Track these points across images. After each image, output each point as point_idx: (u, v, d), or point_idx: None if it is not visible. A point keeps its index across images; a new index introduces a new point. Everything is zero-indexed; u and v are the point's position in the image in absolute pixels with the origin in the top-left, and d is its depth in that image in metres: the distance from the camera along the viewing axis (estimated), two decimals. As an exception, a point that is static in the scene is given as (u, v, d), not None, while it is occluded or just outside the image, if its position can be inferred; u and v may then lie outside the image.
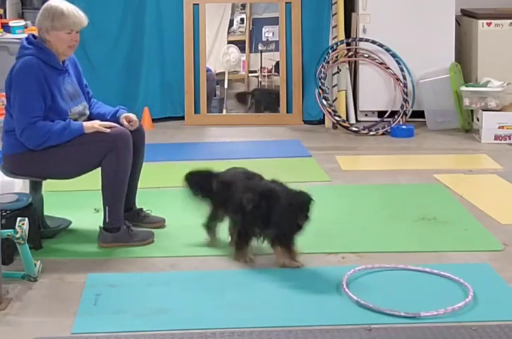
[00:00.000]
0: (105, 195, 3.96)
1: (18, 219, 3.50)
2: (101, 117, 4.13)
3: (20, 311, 3.29)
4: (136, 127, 4.12)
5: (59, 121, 3.87)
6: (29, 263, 3.55)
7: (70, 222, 4.22)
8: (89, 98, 4.24)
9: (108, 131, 3.89)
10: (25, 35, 6.13)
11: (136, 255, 3.93)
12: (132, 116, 4.15)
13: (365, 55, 6.99)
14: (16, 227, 3.45)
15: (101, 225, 4.01)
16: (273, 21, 7.33)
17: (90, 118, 4.13)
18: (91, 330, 3.11)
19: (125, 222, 4.03)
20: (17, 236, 3.44)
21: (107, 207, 3.97)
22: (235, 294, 3.44)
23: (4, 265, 3.51)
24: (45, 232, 4.07)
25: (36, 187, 4.14)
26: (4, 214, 3.74)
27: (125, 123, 4.09)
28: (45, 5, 4.00)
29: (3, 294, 3.38)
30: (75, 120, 3.97)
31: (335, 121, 6.82)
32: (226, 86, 7.56)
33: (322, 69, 6.83)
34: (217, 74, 7.62)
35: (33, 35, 4.00)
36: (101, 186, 3.94)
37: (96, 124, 3.91)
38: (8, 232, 3.43)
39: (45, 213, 4.16)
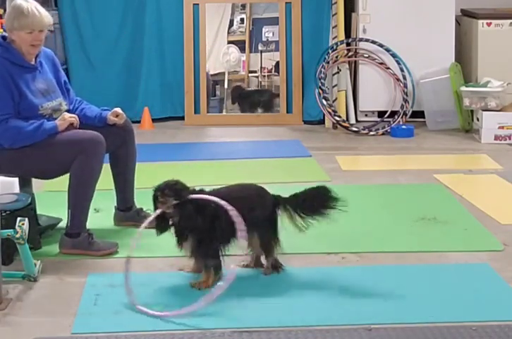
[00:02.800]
0: (68, 199, 3.90)
1: (18, 219, 3.50)
2: (89, 121, 4.12)
3: (20, 311, 3.29)
4: (124, 120, 4.13)
5: (34, 121, 3.86)
6: (29, 263, 3.55)
7: (61, 220, 4.22)
8: (69, 95, 4.20)
9: (74, 120, 3.91)
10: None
11: (136, 255, 3.92)
12: (118, 109, 4.14)
13: (365, 55, 7.00)
14: (16, 227, 3.45)
15: (64, 231, 3.96)
16: (273, 21, 7.33)
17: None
18: (91, 330, 3.11)
19: (88, 230, 3.95)
20: (17, 236, 3.44)
21: (69, 211, 3.92)
22: (234, 294, 3.44)
23: (4, 265, 3.51)
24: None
25: (24, 184, 4.14)
26: (4, 214, 3.73)
27: (113, 118, 4.10)
28: (12, 4, 3.97)
29: (3, 294, 3.38)
30: (49, 116, 3.96)
31: (335, 121, 6.82)
32: (226, 86, 7.56)
33: (322, 69, 6.83)
34: (217, 74, 7.62)
35: (3, 36, 3.98)
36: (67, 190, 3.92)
37: (65, 116, 3.91)
38: (8, 232, 3.43)
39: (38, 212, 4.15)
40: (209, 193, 3.51)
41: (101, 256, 3.89)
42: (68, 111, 4.13)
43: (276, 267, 3.67)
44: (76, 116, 4.00)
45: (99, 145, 3.87)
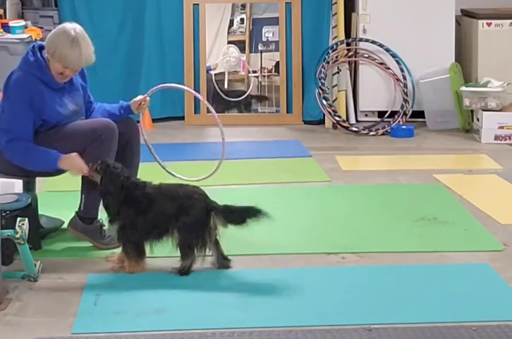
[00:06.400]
0: (83, 183, 3.96)
1: (18, 219, 3.50)
2: (113, 117, 4.10)
3: (20, 311, 3.29)
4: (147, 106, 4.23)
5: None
6: (30, 263, 3.55)
7: (63, 222, 4.22)
8: (91, 105, 4.19)
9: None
10: (24, 36, 6.16)
11: (136, 255, 3.93)
12: (139, 98, 4.19)
13: (365, 55, 6.99)
14: (16, 227, 3.45)
15: (77, 210, 4.02)
16: (273, 21, 7.33)
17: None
18: (91, 330, 3.12)
19: (100, 221, 4.01)
20: (17, 236, 3.44)
21: (83, 196, 3.98)
22: (235, 294, 3.44)
23: (4, 265, 3.51)
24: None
25: (29, 187, 4.14)
26: (4, 214, 3.73)
27: (137, 107, 4.17)
28: (60, 28, 3.87)
29: (3, 294, 3.38)
30: None
31: (335, 121, 6.82)
32: (225, 86, 7.56)
33: (322, 69, 6.83)
34: (217, 74, 7.61)
35: (40, 47, 3.91)
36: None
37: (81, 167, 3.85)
38: (8, 232, 3.43)
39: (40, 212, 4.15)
40: (146, 185, 3.76)
41: (105, 249, 3.96)
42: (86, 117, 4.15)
43: (182, 272, 3.67)
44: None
45: (113, 131, 3.92)
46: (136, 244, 3.69)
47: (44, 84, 3.86)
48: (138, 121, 6.94)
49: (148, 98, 4.25)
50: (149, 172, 4.40)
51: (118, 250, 3.79)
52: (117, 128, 3.96)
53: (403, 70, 6.88)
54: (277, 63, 7.31)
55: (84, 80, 4.12)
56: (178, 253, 3.67)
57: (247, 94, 7.43)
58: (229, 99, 7.40)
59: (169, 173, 4.38)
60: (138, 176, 4.26)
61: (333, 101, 6.92)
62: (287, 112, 7.21)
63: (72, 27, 3.87)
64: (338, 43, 6.94)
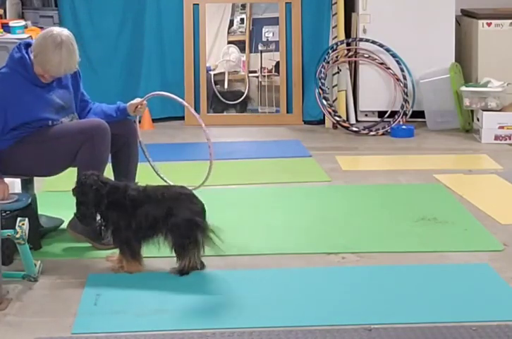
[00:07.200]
0: None
1: (18, 219, 3.50)
2: (109, 118, 4.09)
3: (20, 311, 3.29)
4: (143, 110, 4.21)
5: None
6: (30, 263, 3.55)
7: (63, 221, 4.22)
8: (87, 104, 4.19)
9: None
10: (24, 36, 6.17)
11: (136, 255, 3.92)
12: (136, 101, 4.17)
13: (365, 55, 6.99)
14: (16, 227, 3.45)
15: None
16: (273, 21, 7.33)
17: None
18: (91, 330, 3.12)
19: (99, 222, 3.99)
20: (18, 236, 3.44)
21: None
22: (235, 294, 3.44)
23: (4, 265, 3.51)
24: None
25: (27, 186, 4.14)
26: (4, 214, 3.73)
27: (133, 110, 4.14)
28: (48, 31, 3.87)
29: (4, 294, 3.38)
30: None
31: (335, 121, 6.82)
32: (226, 86, 7.56)
33: (322, 69, 6.83)
34: (217, 74, 7.61)
35: (26, 44, 3.93)
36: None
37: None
38: (8, 232, 3.43)
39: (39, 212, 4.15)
40: (128, 188, 3.70)
41: (104, 249, 3.94)
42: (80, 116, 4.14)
43: (181, 272, 3.66)
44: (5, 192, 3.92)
45: (104, 131, 3.89)
46: (130, 245, 3.68)
47: (29, 81, 3.87)
48: (139, 121, 6.97)
49: (145, 102, 4.23)
50: (147, 173, 4.40)
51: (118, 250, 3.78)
52: (109, 128, 3.92)
53: (403, 70, 6.88)
54: (277, 63, 7.31)
55: (75, 78, 4.10)
56: (174, 254, 3.67)
57: (245, 95, 7.44)
58: (227, 102, 7.40)
59: (162, 179, 4.36)
60: (137, 177, 4.29)
61: (333, 101, 6.92)
62: (287, 112, 7.21)
63: (60, 31, 3.87)
64: (338, 43, 6.94)
